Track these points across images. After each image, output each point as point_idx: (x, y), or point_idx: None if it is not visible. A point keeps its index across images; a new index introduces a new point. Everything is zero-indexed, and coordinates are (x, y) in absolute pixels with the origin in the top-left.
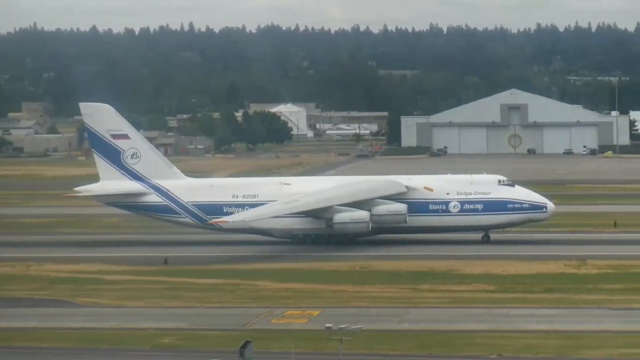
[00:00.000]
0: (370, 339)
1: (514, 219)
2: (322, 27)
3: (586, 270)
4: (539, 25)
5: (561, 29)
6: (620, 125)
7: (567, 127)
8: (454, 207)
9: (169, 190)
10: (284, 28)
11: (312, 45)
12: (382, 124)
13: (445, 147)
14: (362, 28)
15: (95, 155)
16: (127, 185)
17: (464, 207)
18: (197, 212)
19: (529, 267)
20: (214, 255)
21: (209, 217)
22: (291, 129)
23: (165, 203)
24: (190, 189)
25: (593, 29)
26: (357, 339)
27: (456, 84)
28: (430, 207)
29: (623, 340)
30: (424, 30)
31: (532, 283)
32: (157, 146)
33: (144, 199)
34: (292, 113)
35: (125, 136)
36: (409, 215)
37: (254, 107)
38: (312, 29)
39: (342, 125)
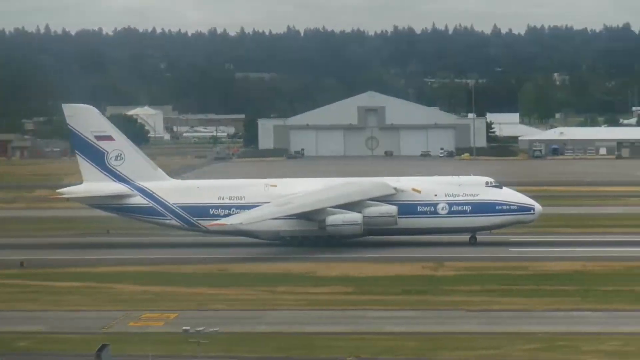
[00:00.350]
0: (228, 342)
1: (502, 220)
2: (179, 30)
3: (444, 272)
4: (395, 27)
5: (418, 32)
6: (477, 128)
7: (424, 129)
8: (442, 208)
9: (154, 192)
10: (140, 30)
11: (169, 48)
12: (239, 126)
13: (303, 150)
14: (219, 31)
15: (78, 157)
16: (111, 187)
17: (452, 209)
18: (182, 214)
19: (386, 269)
20: (72, 259)
21: (194, 219)
22: (148, 132)
23: (151, 205)
24: (175, 190)
25: (450, 32)
26: (214, 341)
27: (313, 87)
28: (419, 208)
29: (480, 342)
30: (281, 32)
31: (390, 285)
32: (13, 149)
33: (128, 201)
34: (149, 116)
35: (109, 137)
36: (398, 217)
37: (110, 110)
38: (169, 31)
39: (200, 128)
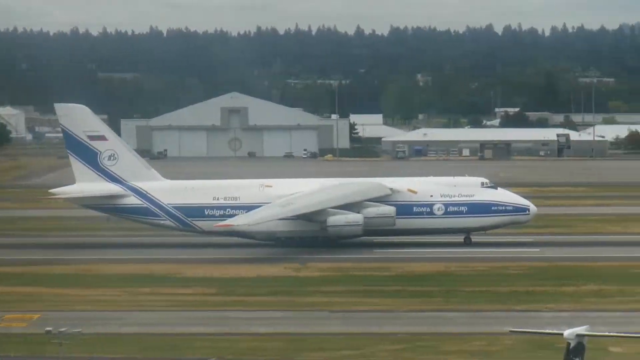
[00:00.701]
0: (91, 343)
1: (498, 221)
2: (41, 29)
3: (307, 273)
4: (259, 28)
5: (281, 32)
6: (340, 129)
7: (287, 130)
8: (438, 209)
9: (148, 192)
10: (1, 29)
11: (31, 47)
12: None
13: (165, 150)
14: (81, 30)
15: (70, 157)
16: (105, 187)
17: (448, 210)
18: (177, 215)
19: (249, 270)
20: None
21: (189, 219)
22: (10, 132)
23: (145, 205)
24: (170, 190)
25: (313, 32)
26: (76, 342)
27: (177, 87)
28: (415, 209)
29: (343, 343)
30: (144, 33)
31: (254, 286)
32: None
33: (123, 201)
34: (11, 116)
35: (102, 137)
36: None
37: None
38: (31, 30)
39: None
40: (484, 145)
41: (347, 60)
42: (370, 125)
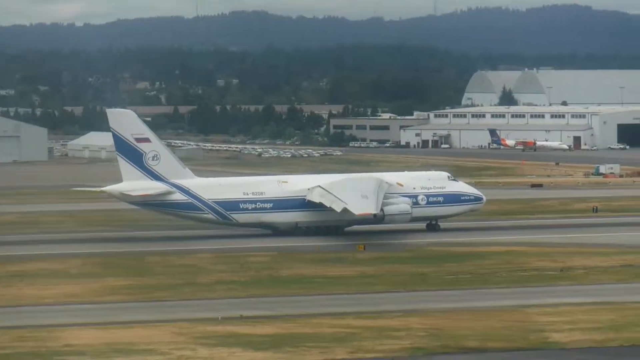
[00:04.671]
0: None
1: (464, 209)
2: None
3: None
4: None
5: None
6: None
7: None
8: (422, 200)
9: (190, 189)
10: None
11: None
12: None
13: None
14: None
15: (119, 158)
16: (155, 185)
17: (429, 200)
18: (218, 209)
19: None
20: None
21: (228, 212)
22: None
23: (190, 201)
24: (208, 187)
25: None
26: None
27: None
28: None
29: None
30: None
31: None
32: None
33: (170, 198)
34: None
35: (146, 139)
36: None
37: None
38: None
39: None
40: None
41: None
42: None
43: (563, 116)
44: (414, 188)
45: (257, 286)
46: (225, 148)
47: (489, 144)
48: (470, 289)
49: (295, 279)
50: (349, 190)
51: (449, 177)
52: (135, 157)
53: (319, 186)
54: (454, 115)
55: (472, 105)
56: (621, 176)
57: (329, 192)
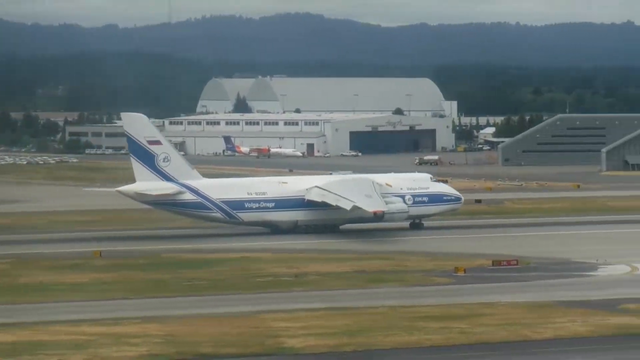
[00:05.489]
0: None
1: (446, 208)
2: None
3: None
4: None
5: None
6: None
7: None
8: (409, 199)
9: (199, 189)
10: None
11: None
12: None
13: None
14: None
15: (132, 159)
16: (167, 185)
17: (415, 200)
18: (225, 208)
19: None
20: None
21: (234, 211)
22: None
23: (199, 200)
24: (215, 187)
25: None
26: None
27: None
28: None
29: None
30: None
31: None
32: None
33: (181, 197)
34: None
35: (158, 142)
36: None
37: None
38: None
39: None
40: None
41: None
42: None
43: (297, 123)
44: (401, 188)
45: None
46: None
47: (223, 150)
48: (208, 295)
49: (33, 286)
50: (350, 190)
51: (431, 178)
52: (148, 159)
53: (316, 186)
54: (189, 123)
55: (207, 112)
56: None
57: (329, 191)
